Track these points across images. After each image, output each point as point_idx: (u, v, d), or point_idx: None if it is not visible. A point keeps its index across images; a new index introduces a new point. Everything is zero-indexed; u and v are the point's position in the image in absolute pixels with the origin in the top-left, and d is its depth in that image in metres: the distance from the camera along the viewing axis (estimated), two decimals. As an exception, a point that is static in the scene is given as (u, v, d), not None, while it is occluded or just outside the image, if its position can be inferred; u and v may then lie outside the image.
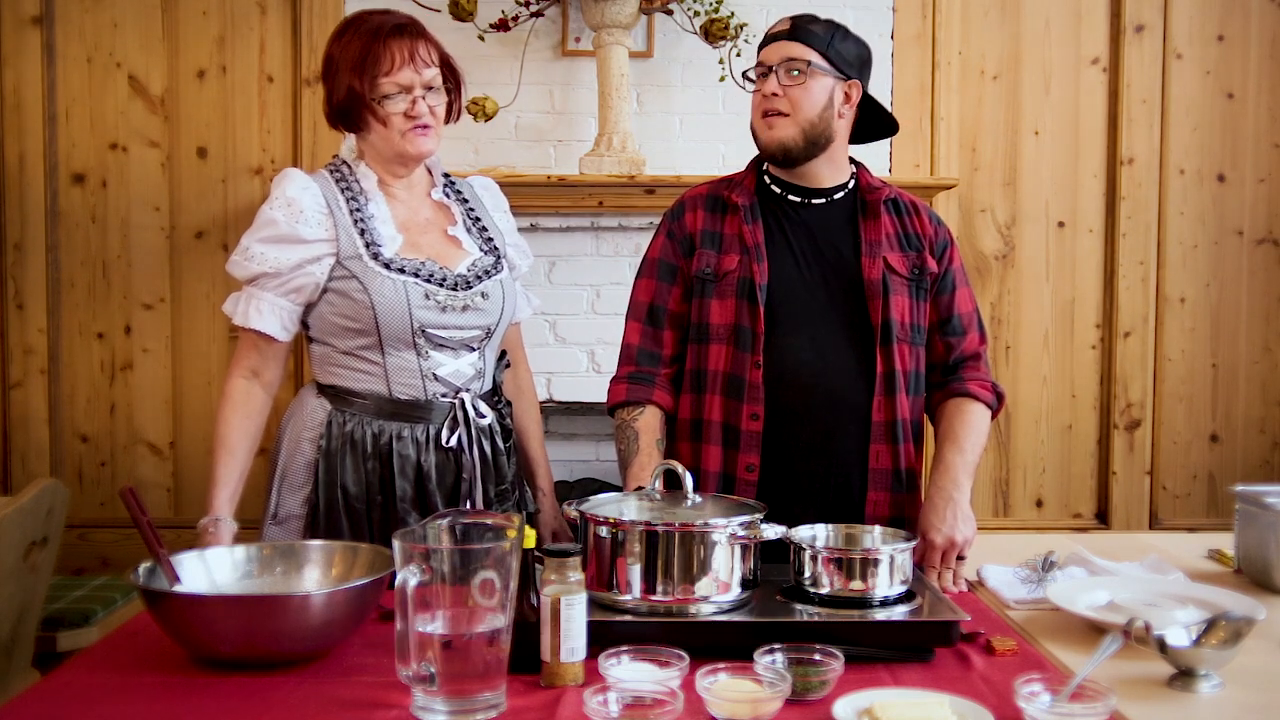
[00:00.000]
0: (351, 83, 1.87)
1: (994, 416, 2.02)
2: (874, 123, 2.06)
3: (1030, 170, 3.73)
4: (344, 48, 1.89)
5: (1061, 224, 3.75)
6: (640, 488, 1.78)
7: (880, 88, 3.56)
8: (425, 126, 1.90)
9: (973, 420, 1.96)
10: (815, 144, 1.94)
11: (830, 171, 1.99)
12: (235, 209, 3.57)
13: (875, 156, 3.53)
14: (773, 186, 2.01)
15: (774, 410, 1.91)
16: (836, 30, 1.97)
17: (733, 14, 3.33)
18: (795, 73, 1.91)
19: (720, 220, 2.00)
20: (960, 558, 1.83)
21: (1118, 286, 3.74)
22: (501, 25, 3.32)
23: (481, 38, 3.32)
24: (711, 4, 3.35)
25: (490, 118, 3.29)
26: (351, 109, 1.89)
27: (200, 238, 3.59)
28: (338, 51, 1.90)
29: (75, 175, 3.58)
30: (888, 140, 3.56)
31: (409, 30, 1.89)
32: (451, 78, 1.98)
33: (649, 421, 1.95)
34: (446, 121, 1.98)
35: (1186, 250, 3.77)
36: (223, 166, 3.58)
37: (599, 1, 3.20)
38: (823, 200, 2.00)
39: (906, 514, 1.96)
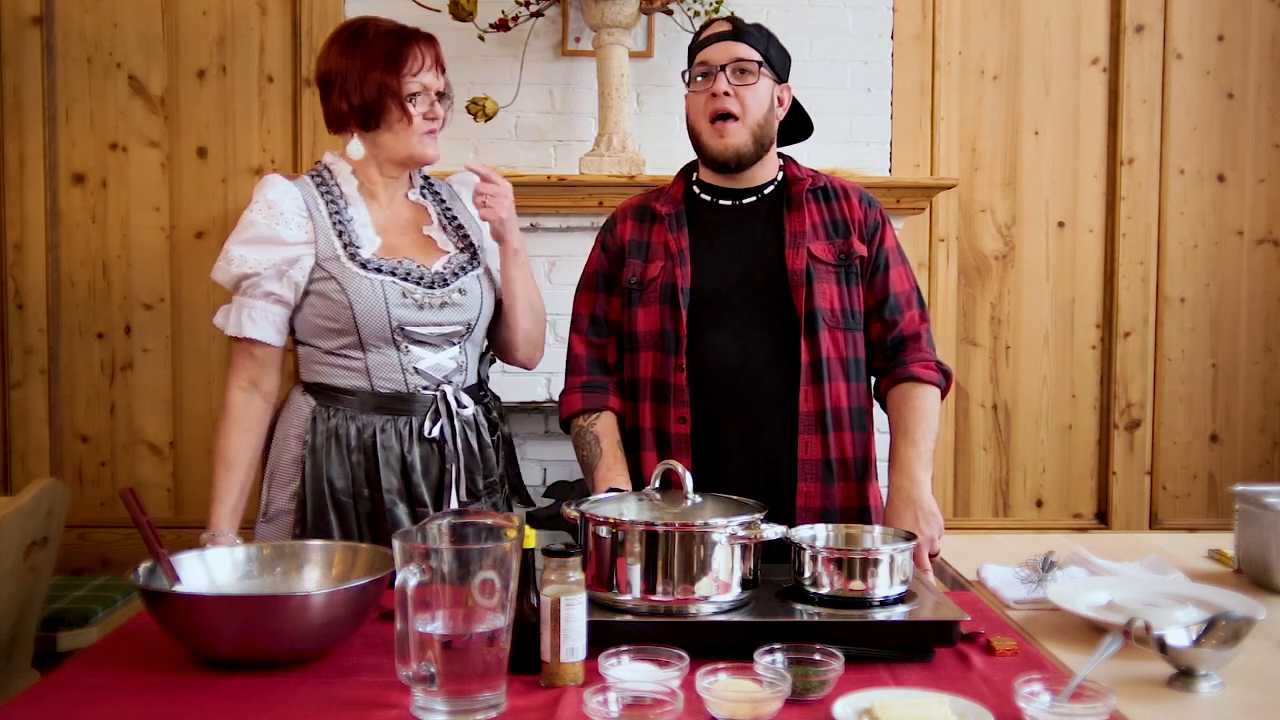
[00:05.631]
0: (384, 79, 1.90)
1: (943, 394, 2.00)
2: (796, 124, 2.07)
3: (1030, 170, 3.73)
4: (368, 47, 1.92)
5: (1061, 224, 3.75)
6: (612, 489, 1.80)
7: (880, 88, 3.57)
8: (434, 131, 1.96)
9: (922, 406, 1.95)
10: (762, 146, 1.96)
11: (760, 172, 2.01)
12: (235, 209, 3.56)
13: (875, 157, 3.54)
14: (702, 195, 2.02)
15: (700, 411, 1.92)
16: (768, 34, 1.99)
17: (732, 14, 3.33)
18: (745, 73, 1.91)
19: (648, 230, 2.03)
20: (932, 555, 1.83)
21: (1118, 286, 3.74)
22: (501, 25, 3.32)
23: (481, 38, 3.32)
24: (711, 4, 3.35)
25: (490, 118, 3.29)
26: (379, 106, 1.91)
27: (200, 238, 3.59)
28: (359, 51, 1.92)
29: (75, 175, 3.58)
30: (888, 140, 3.58)
31: (430, 37, 1.97)
32: (448, 93, 2.02)
33: (607, 425, 1.97)
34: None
35: (1186, 250, 3.77)
36: (223, 166, 3.58)
37: (599, 1, 3.20)
38: (752, 199, 2.01)
39: (843, 504, 1.95)
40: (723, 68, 1.92)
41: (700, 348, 1.93)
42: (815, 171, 2.06)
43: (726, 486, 1.84)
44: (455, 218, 2.08)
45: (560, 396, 2.04)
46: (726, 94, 1.91)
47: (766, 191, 2.01)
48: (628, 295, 2.00)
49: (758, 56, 1.92)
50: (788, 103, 1.99)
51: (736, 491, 1.74)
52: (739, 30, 1.95)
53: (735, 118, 1.92)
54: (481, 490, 2.01)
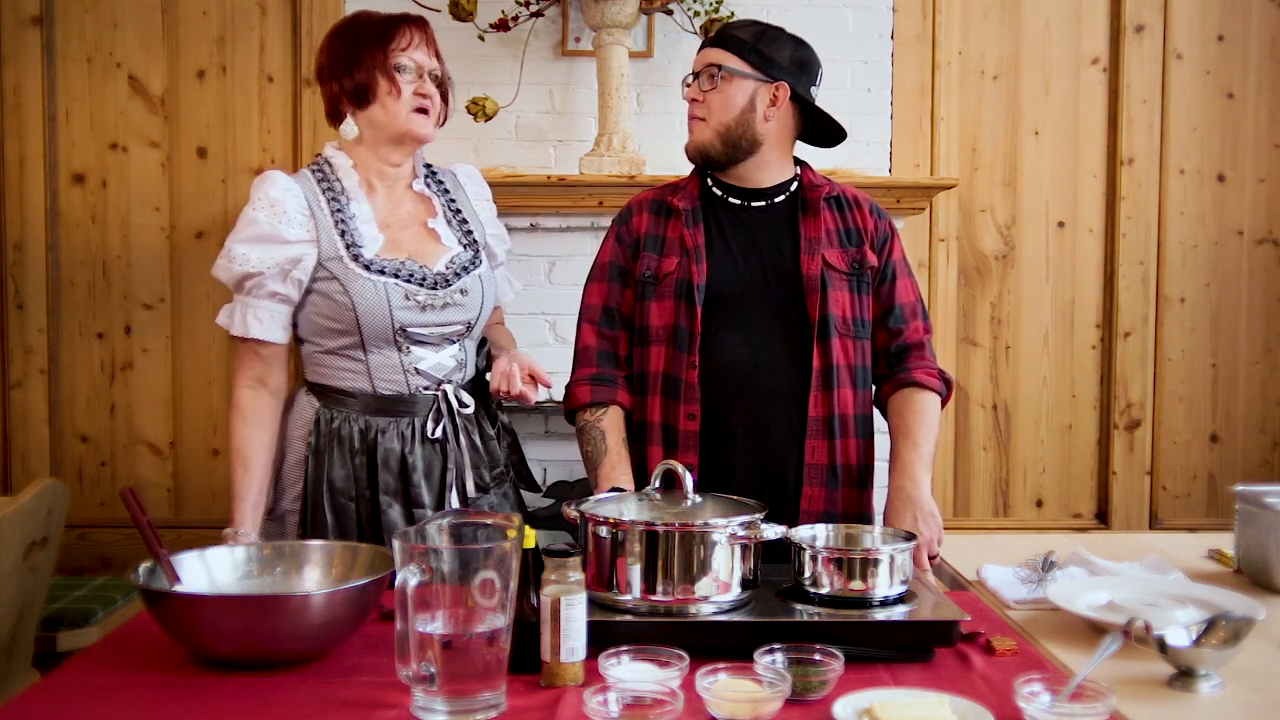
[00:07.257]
0: (373, 53, 1.91)
1: (944, 403, 2.02)
2: (823, 127, 2.04)
3: (1030, 170, 3.73)
4: (360, 29, 1.95)
5: (1061, 224, 3.75)
6: (614, 488, 1.79)
7: (880, 88, 3.57)
8: (426, 111, 1.96)
9: (923, 410, 1.96)
10: (736, 146, 1.96)
11: (764, 173, 2.00)
12: (235, 209, 3.55)
13: (875, 157, 3.54)
14: (715, 189, 2.03)
15: (710, 409, 1.93)
16: (765, 33, 1.97)
17: (732, 14, 3.33)
18: (711, 78, 1.94)
19: (664, 224, 2.02)
20: (932, 557, 1.83)
21: (1118, 286, 3.74)
22: (501, 25, 3.32)
23: (481, 38, 3.32)
24: (711, 4, 3.35)
25: (490, 118, 3.29)
26: (368, 81, 1.92)
27: (200, 238, 3.59)
28: (351, 35, 1.95)
29: (75, 175, 3.58)
30: (888, 140, 3.58)
31: (422, 20, 1.98)
32: (445, 84, 2.03)
33: (614, 421, 1.96)
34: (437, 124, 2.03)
35: (1186, 250, 3.77)
36: (223, 166, 3.59)
37: (599, 1, 3.20)
38: (763, 202, 2.01)
39: (844, 510, 1.96)
40: (696, 75, 1.98)
41: (712, 346, 1.94)
42: (829, 179, 2.07)
43: (733, 485, 1.85)
44: (459, 210, 2.08)
45: (567, 387, 2.03)
46: (695, 99, 1.97)
47: (779, 197, 2.01)
48: (641, 289, 1.99)
49: (727, 59, 1.93)
50: (784, 100, 1.95)
51: (742, 491, 1.74)
52: (718, 35, 1.99)
53: (702, 119, 1.97)
54: (490, 482, 2.02)
